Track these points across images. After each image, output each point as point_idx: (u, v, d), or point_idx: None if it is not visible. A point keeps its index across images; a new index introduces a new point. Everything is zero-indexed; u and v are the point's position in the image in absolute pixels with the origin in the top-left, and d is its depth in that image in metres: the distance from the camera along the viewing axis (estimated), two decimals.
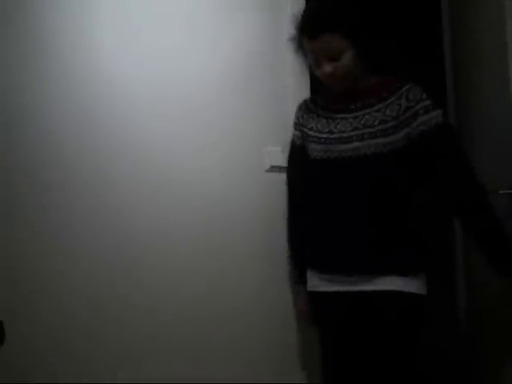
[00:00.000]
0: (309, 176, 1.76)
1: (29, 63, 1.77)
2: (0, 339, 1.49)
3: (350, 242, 1.63)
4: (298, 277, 1.83)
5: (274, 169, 2.06)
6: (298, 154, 1.83)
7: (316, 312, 1.78)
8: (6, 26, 1.74)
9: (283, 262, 2.02)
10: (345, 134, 1.67)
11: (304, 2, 2.00)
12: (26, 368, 1.70)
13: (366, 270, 1.61)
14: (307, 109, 1.82)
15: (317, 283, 1.72)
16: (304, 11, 1.71)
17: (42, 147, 1.78)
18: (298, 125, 1.84)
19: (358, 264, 1.62)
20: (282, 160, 2.05)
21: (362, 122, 1.66)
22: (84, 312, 1.79)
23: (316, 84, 1.88)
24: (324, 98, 1.81)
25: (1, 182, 1.72)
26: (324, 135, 1.71)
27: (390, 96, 1.66)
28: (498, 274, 1.64)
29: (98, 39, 1.85)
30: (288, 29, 1.80)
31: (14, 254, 1.72)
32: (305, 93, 2.07)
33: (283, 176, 2.02)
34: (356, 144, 1.64)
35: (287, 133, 1.99)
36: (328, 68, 1.63)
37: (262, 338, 1.99)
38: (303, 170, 1.79)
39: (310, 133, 1.77)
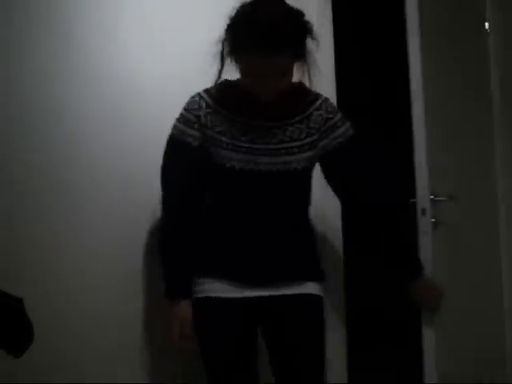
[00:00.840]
0: (218, 183, 1.67)
1: (53, 66, 1.76)
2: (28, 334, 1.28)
3: (270, 251, 1.63)
4: (183, 288, 1.65)
5: None
6: (190, 156, 1.65)
7: (207, 321, 1.63)
8: (30, 28, 1.73)
9: None
10: (272, 146, 1.63)
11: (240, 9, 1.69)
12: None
13: (283, 277, 1.63)
14: (209, 107, 1.64)
15: (218, 289, 1.61)
16: (251, 23, 1.51)
17: (63, 147, 1.76)
18: (196, 124, 1.63)
19: (277, 272, 1.63)
20: None
21: (288, 134, 1.64)
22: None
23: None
24: (224, 95, 1.66)
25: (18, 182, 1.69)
26: (245, 144, 1.62)
27: (309, 107, 1.67)
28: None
29: (121, 41, 1.85)
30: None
31: (32, 253, 1.69)
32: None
33: None
34: (286, 158, 1.63)
35: None
36: (274, 84, 1.55)
37: None
38: (192, 172, 1.66)
39: (222, 138, 1.62)
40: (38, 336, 1.41)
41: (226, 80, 1.65)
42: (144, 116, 1.83)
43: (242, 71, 1.57)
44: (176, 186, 1.66)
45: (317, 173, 1.74)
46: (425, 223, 1.89)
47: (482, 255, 2.17)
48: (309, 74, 1.62)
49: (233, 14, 1.56)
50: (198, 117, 1.63)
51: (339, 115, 1.68)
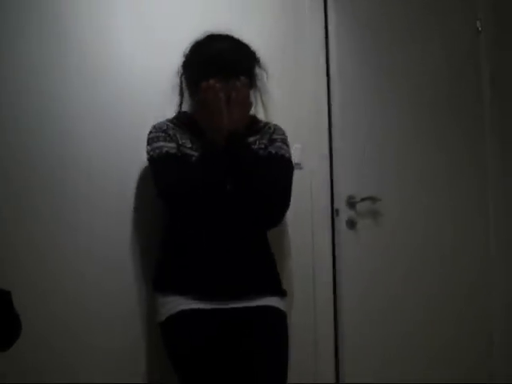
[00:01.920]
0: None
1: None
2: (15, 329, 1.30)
3: (232, 268, 1.68)
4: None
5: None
6: (176, 158, 1.72)
7: (185, 331, 1.66)
8: (23, 27, 1.73)
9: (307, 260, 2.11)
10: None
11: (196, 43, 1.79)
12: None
13: (245, 291, 1.68)
14: (174, 126, 1.75)
15: (189, 302, 1.67)
16: (208, 49, 1.71)
17: (59, 147, 1.78)
18: (168, 137, 1.72)
19: (239, 286, 1.68)
20: (298, 157, 2.06)
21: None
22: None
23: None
24: (185, 124, 1.77)
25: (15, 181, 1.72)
26: None
27: (256, 134, 1.79)
28: None
29: (115, 40, 1.87)
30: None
31: (28, 252, 1.72)
32: (322, 91, 2.20)
33: (299, 173, 2.02)
34: None
35: (306, 131, 2.08)
36: (227, 109, 1.66)
37: None
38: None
39: (192, 152, 1.71)
40: (35, 335, 1.48)
41: (185, 112, 1.79)
42: (139, 111, 1.85)
43: (200, 103, 1.68)
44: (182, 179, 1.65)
45: None
46: (338, 223, 2.17)
47: (404, 253, 2.32)
48: (262, 102, 1.79)
49: (187, 49, 1.74)
50: (166, 131, 1.72)
51: (283, 136, 1.79)
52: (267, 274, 1.75)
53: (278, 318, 1.71)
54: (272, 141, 1.77)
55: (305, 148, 2.08)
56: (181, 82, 1.77)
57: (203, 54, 1.70)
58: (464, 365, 2.38)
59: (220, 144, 1.64)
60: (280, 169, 1.74)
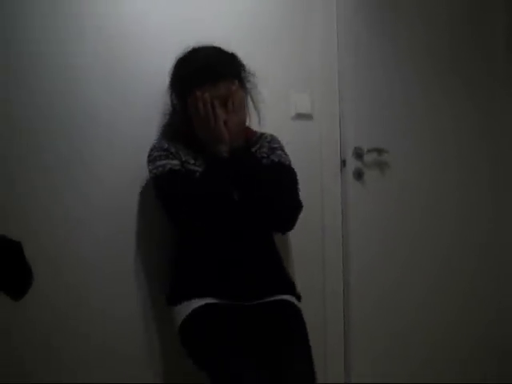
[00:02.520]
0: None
1: None
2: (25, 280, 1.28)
3: (247, 272, 1.70)
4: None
5: (299, 116, 2.06)
6: (181, 174, 1.70)
7: (199, 324, 1.66)
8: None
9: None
10: None
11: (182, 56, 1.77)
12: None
13: (260, 293, 1.71)
14: (173, 143, 1.74)
15: (199, 301, 1.67)
16: (194, 60, 1.69)
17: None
18: (170, 154, 1.70)
19: (254, 292, 1.71)
20: (308, 108, 2.07)
21: None
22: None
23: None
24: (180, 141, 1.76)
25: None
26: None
27: (255, 144, 1.79)
28: None
29: None
30: None
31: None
32: (332, 41, 2.16)
33: (309, 124, 2.06)
34: None
35: (315, 81, 2.07)
36: (224, 115, 1.65)
37: None
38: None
39: (195, 168, 1.71)
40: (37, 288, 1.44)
41: (178, 128, 1.76)
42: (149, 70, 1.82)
43: (194, 117, 1.65)
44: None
45: None
46: (345, 174, 2.17)
47: (410, 204, 2.32)
48: (254, 106, 1.78)
49: (172, 67, 1.72)
50: (168, 149, 1.70)
51: (281, 145, 1.81)
52: (281, 277, 1.78)
53: (294, 309, 1.72)
54: (272, 149, 1.77)
55: (314, 98, 2.07)
56: (171, 101, 1.76)
57: (189, 65, 1.69)
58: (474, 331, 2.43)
59: (223, 155, 1.64)
60: (286, 175, 1.75)
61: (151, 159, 1.69)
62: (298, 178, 1.77)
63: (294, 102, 2.05)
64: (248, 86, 1.75)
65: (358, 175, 2.20)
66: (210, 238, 1.69)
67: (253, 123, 1.80)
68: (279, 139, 1.83)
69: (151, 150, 1.71)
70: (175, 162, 1.68)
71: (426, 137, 2.36)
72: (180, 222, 1.67)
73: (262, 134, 1.82)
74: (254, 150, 1.75)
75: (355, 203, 2.19)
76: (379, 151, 2.22)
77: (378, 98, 2.26)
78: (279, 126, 1.98)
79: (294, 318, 1.70)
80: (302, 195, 1.97)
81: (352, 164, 2.18)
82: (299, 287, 1.81)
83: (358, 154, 2.20)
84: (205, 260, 1.69)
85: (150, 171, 1.69)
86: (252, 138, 1.78)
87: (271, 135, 1.83)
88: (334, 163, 2.16)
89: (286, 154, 1.79)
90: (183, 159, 1.70)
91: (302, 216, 1.78)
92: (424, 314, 2.33)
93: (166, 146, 1.71)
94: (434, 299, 2.36)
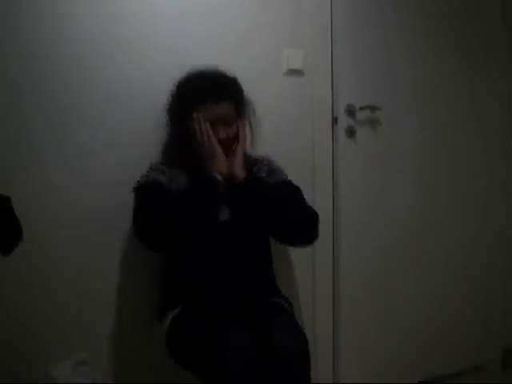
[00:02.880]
0: None
1: None
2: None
3: (241, 280, 1.72)
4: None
5: (291, 72, 2.05)
6: (164, 191, 1.69)
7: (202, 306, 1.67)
8: None
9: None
10: None
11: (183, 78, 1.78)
12: None
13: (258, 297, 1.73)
14: (168, 167, 1.74)
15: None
16: (197, 80, 1.72)
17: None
18: (164, 173, 1.70)
19: (252, 294, 1.73)
20: (300, 64, 2.05)
21: None
22: None
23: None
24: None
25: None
26: None
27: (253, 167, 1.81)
28: None
29: None
30: None
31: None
32: None
33: (301, 80, 2.05)
34: None
35: (308, 37, 2.05)
36: (223, 134, 1.69)
37: None
38: None
39: None
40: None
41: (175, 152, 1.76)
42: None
43: (196, 133, 1.66)
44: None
45: None
46: (337, 131, 2.16)
47: (401, 162, 2.33)
48: (251, 130, 1.79)
49: (174, 88, 1.73)
50: (163, 171, 1.69)
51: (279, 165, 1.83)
52: (271, 285, 1.81)
53: (283, 307, 1.74)
54: (271, 171, 1.79)
55: (307, 54, 2.05)
56: (169, 125, 1.76)
57: (192, 84, 1.71)
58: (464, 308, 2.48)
59: (217, 178, 1.63)
60: (295, 190, 1.77)
61: (143, 176, 1.69)
62: (290, 132, 1.78)
63: (285, 57, 2.02)
64: (247, 109, 1.77)
65: (350, 133, 2.19)
66: (196, 262, 1.69)
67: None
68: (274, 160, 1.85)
69: (147, 169, 1.71)
70: (163, 177, 1.68)
71: (418, 95, 2.35)
72: (150, 238, 1.60)
73: (258, 157, 1.84)
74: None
75: (347, 160, 2.19)
76: (372, 109, 2.20)
77: (372, 56, 2.24)
78: (271, 81, 1.99)
79: (281, 309, 1.73)
80: (294, 152, 1.98)
81: (344, 121, 2.17)
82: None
83: (351, 112, 2.19)
84: (195, 278, 1.69)
85: (133, 188, 1.68)
86: (248, 161, 1.78)
87: (266, 156, 1.85)
88: (326, 120, 2.15)
89: (285, 173, 1.82)
90: (175, 178, 1.69)
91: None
92: (417, 288, 2.37)
93: (162, 167, 1.71)
94: (428, 263, 2.39)
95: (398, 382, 2.26)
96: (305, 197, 1.78)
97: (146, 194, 1.64)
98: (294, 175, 1.80)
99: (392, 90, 2.29)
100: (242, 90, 1.76)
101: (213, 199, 1.63)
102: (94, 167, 1.75)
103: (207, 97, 1.67)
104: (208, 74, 1.72)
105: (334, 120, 2.16)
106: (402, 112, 2.31)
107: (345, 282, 2.21)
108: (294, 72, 2.04)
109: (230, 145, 1.69)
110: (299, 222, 1.70)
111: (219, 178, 1.63)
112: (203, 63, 1.72)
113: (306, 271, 2.11)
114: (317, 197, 2.10)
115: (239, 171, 1.67)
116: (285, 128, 2.05)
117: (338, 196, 2.19)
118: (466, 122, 2.48)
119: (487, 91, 2.53)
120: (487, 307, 2.56)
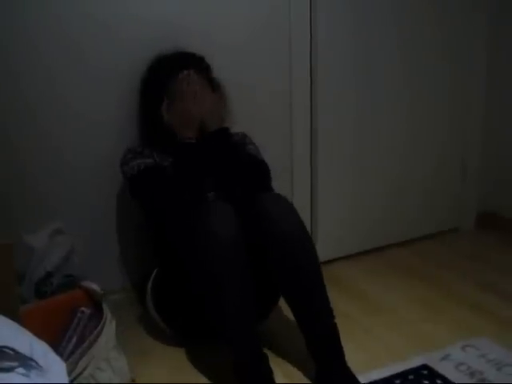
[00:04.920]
0: None
1: None
2: None
3: None
4: None
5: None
6: (162, 172, 1.76)
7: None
8: None
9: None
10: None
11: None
12: None
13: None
14: (145, 147, 1.83)
15: None
16: (173, 55, 1.86)
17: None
18: (142, 153, 1.80)
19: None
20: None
21: None
22: None
23: None
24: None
25: None
26: None
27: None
28: None
29: None
30: None
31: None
32: None
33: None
34: None
35: None
36: (195, 108, 1.75)
37: None
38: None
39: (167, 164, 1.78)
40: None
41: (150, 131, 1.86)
42: None
43: (176, 95, 1.75)
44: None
45: None
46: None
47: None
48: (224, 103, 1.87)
49: (149, 67, 1.87)
50: (142, 152, 1.77)
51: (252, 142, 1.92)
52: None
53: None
54: (244, 144, 1.88)
55: None
56: (144, 102, 1.88)
57: (168, 60, 1.84)
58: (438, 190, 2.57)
59: (190, 140, 1.71)
60: (260, 163, 1.84)
61: (124, 161, 1.76)
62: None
63: None
64: (217, 85, 1.87)
65: None
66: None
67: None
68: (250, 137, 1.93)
69: (124, 154, 1.79)
70: (149, 160, 1.74)
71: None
72: (161, 219, 1.70)
73: (236, 133, 1.88)
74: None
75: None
76: None
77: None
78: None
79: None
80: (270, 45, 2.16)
81: None
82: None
83: None
84: None
85: (125, 173, 1.76)
86: (226, 134, 1.79)
87: (243, 133, 1.92)
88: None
89: (259, 151, 1.89)
90: (157, 160, 1.75)
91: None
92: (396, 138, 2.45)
93: (140, 148, 1.80)
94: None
95: (375, 246, 2.44)
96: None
97: (145, 183, 1.71)
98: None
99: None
100: (211, 67, 1.87)
101: (195, 165, 1.69)
102: None
103: (179, 67, 1.77)
104: (180, 52, 1.86)
105: None
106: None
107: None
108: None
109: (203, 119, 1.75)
110: (257, 170, 1.78)
111: (193, 141, 1.71)
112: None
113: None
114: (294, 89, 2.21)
115: (211, 124, 1.75)
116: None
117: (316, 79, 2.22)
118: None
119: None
120: (463, 170, 2.63)
